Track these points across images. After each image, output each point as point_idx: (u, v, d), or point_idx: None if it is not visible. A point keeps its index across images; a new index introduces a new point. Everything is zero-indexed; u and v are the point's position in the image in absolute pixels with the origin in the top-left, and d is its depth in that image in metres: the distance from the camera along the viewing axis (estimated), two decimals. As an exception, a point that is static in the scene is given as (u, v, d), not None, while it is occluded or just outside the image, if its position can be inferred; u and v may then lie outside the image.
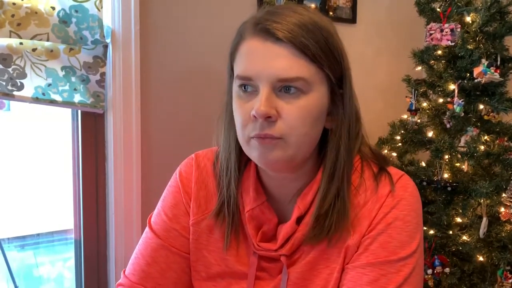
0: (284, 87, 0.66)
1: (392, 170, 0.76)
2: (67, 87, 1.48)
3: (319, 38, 0.66)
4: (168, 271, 0.79)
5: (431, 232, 1.62)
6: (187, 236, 0.80)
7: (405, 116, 1.83)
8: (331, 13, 2.00)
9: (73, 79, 1.48)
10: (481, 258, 1.55)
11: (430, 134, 1.75)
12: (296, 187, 0.75)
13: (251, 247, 0.77)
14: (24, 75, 1.42)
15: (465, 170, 1.62)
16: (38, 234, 2.76)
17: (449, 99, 1.69)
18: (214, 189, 0.80)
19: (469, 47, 1.63)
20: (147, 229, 0.83)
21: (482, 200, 1.53)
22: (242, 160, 0.77)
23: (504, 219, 1.51)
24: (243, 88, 0.68)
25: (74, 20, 1.42)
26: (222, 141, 0.77)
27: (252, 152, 0.69)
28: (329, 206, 0.71)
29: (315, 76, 0.67)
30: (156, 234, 0.80)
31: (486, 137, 1.62)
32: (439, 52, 1.73)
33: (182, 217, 0.81)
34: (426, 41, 1.68)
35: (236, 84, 0.69)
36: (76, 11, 1.42)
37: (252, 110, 0.65)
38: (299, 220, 0.74)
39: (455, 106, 1.61)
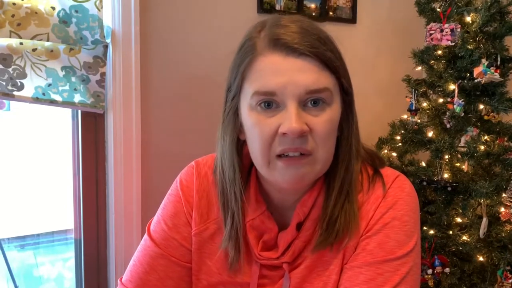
0: (311, 100, 0.65)
1: (388, 170, 0.76)
2: (67, 87, 1.48)
3: (334, 50, 0.67)
4: (167, 279, 0.78)
5: (431, 232, 1.62)
6: (187, 246, 0.79)
7: (405, 116, 1.83)
8: (331, 13, 2.00)
9: (73, 79, 1.48)
10: (481, 258, 1.55)
11: (430, 134, 1.75)
12: (297, 194, 0.75)
13: (253, 256, 0.76)
14: (24, 75, 1.42)
15: (465, 170, 1.62)
16: (38, 234, 2.76)
17: (449, 99, 1.69)
18: (215, 197, 0.79)
19: (469, 47, 1.63)
20: (146, 236, 0.81)
21: (482, 200, 1.53)
22: (244, 171, 0.76)
23: (504, 219, 1.50)
24: (263, 105, 0.65)
25: (74, 20, 1.42)
26: (225, 160, 0.74)
27: (275, 173, 0.67)
28: (337, 210, 0.70)
29: (335, 86, 0.68)
30: (155, 242, 0.79)
31: (486, 137, 1.62)
32: (439, 52, 1.73)
33: (182, 227, 0.79)
34: (426, 41, 1.68)
35: (254, 100, 0.66)
36: (76, 11, 1.42)
37: (281, 127, 0.64)
38: (298, 226, 0.74)
39: (455, 106, 1.61)
